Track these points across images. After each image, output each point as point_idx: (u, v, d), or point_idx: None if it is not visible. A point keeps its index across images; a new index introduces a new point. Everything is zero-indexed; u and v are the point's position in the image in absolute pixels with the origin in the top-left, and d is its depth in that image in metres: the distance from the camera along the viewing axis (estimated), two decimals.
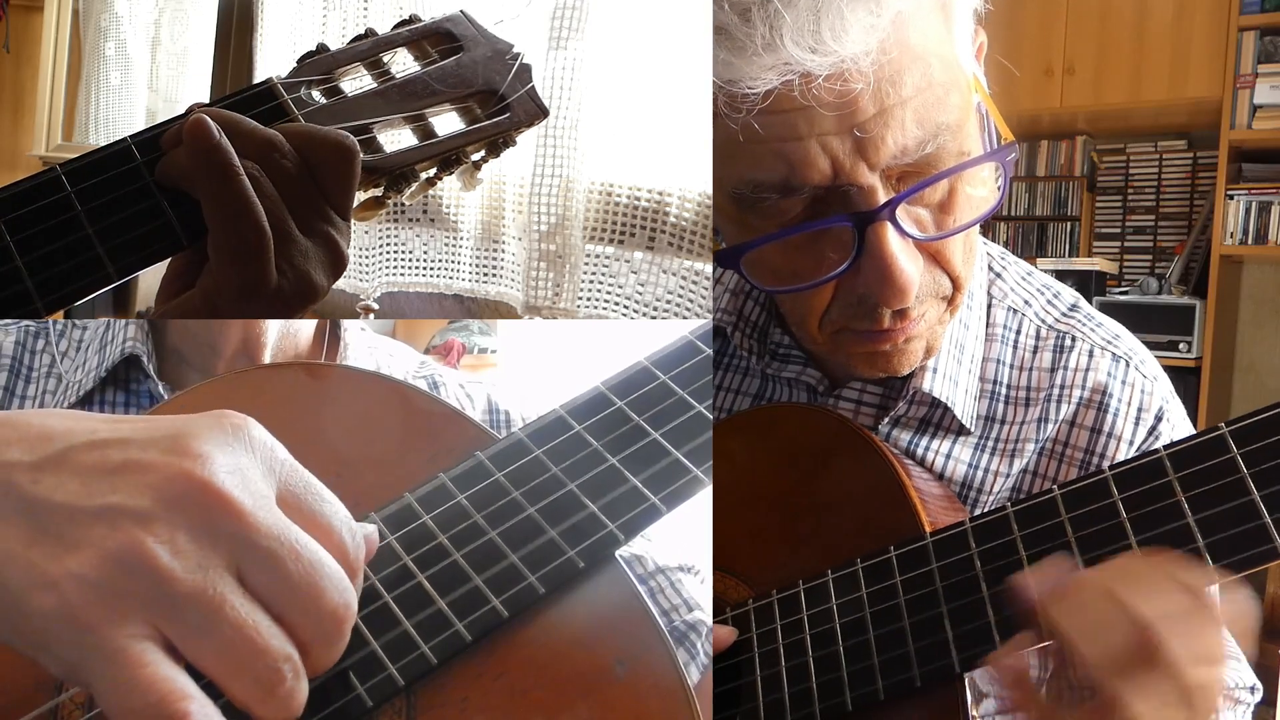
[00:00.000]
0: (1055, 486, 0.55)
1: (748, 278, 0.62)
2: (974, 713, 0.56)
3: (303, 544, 0.41)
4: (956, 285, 0.63)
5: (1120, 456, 0.70)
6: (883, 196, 0.56)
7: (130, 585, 0.38)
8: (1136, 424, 0.71)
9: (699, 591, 0.86)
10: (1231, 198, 3.14)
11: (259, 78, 2.18)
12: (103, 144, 0.56)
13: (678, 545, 0.84)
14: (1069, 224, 3.69)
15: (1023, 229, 3.77)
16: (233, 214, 0.51)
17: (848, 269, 0.58)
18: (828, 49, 0.51)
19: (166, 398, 0.77)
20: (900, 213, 0.57)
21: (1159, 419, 0.71)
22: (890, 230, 0.57)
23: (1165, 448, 0.52)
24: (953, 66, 0.57)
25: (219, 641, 0.38)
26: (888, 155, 0.55)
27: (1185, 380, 3.08)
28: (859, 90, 0.53)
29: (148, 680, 0.37)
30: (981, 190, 0.60)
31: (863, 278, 0.58)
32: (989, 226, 3.76)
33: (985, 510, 0.70)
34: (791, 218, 0.59)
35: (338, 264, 0.55)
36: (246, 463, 0.41)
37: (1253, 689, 0.76)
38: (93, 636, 0.37)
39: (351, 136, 0.55)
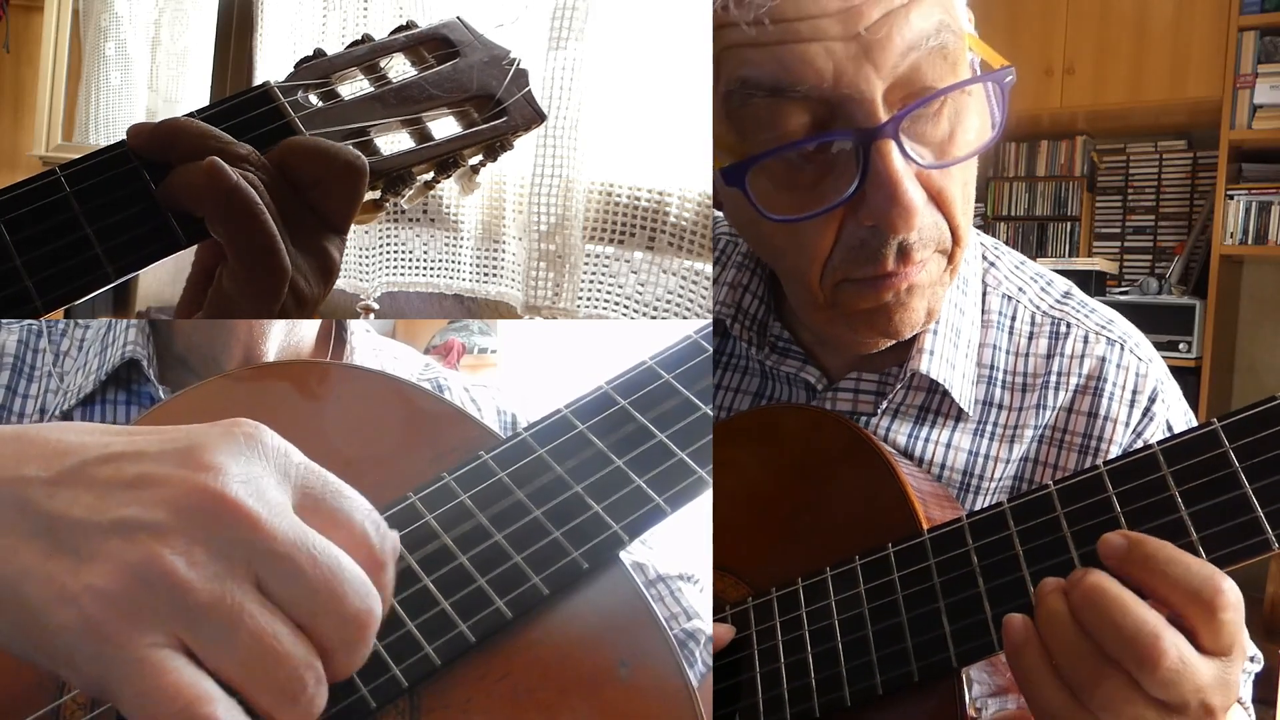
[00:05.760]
0: (1050, 482, 0.55)
1: (752, 199, 0.61)
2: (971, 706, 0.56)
3: (320, 549, 0.41)
4: (956, 238, 0.64)
5: (1117, 438, 0.71)
6: (885, 115, 0.57)
7: (149, 597, 0.38)
8: (1131, 406, 0.71)
9: (698, 600, 0.86)
10: (1231, 198, 3.14)
11: (259, 78, 2.18)
12: (103, 144, 0.56)
13: (676, 546, 0.83)
14: (1069, 224, 3.69)
15: (1023, 229, 3.77)
16: (261, 254, 0.51)
17: (854, 193, 0.59)
18: None
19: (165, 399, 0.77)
20: (904, 140, 0.58)
21: (1153, 400, 0.72)
22: (894, 149, 0.57)
23: (1159, 443, 0.53)
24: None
25: (240, 651, 0.38)
26: (895, 53, 0.56)
27: (1185, 380, 3.08)
28: None
29: (173, 687, 0.37)
30: (973, 136, 0.62)
31: (868, 204, 0.59)
32: (989, 226, 3.77)
33: (986, 501, 0.70)
34: (790, 133, 0.59)
35: (329, 275, 0.55)
36: (260, 471, 0.41)
37: (1252, 659, 0.76)
38: (114, 648, 0.37)
39: (361, 155, 0.55)
